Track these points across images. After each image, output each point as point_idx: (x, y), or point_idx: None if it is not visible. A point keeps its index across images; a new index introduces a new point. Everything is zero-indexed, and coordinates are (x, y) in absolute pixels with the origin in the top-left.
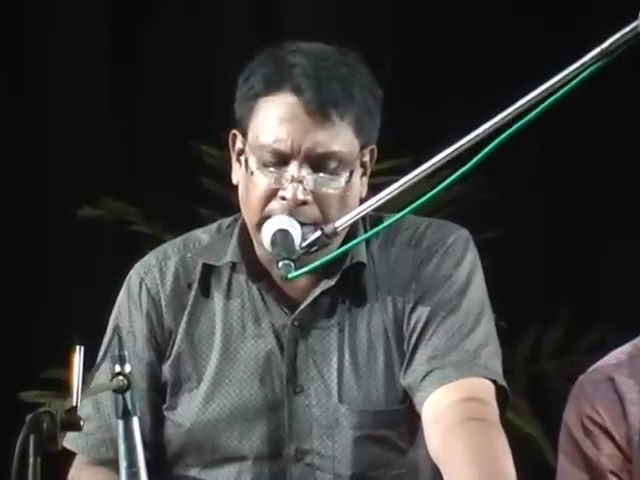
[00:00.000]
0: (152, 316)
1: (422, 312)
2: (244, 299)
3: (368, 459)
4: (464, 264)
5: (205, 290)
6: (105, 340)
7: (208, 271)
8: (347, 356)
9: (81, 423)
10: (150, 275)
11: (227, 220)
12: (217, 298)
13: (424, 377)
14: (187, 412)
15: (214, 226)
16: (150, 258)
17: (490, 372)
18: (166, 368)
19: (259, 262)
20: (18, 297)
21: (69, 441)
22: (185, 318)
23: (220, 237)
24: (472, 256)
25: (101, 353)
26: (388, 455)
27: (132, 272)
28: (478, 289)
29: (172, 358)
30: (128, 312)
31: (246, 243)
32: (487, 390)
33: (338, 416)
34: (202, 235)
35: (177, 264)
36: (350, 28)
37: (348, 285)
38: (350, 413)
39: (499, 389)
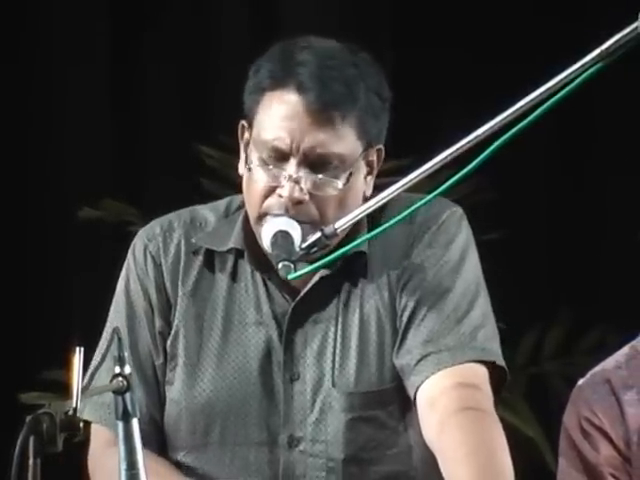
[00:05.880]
0: (159, 283)
1: (414, 291)
2: (248, 284)
3: (360, 441)
4: (457, 243)
5: (209, 270)
6: (105, 335)
7: (212, 254)
8: (341, 339)
9: (80, 425)
10: (154, 242)
11: (237, 200)
12: (221, 280)
13: (419, 361)
14: (183, 390)
15: (222, 205)
16: (154, 226)
17: (487, 354)
18: (167, 341)
19: (262, 250)
20: (18, 298)
21: (89, 413)
22: (187, 293)
23: (226, 222)
24: (466, 234)
25: (101, 350)
26: (380, 435)
27: (136, 239)
28: (472, 268)
29: (172, 332)
30: (138, 280)
31: (250, 231)
32: (481, 376)
33: (331, 400)
34: (209, 215)
35: (180, 237)
36: (350, 28)
37: (348, 271)
38: (341, 396)
39: (496, 370)
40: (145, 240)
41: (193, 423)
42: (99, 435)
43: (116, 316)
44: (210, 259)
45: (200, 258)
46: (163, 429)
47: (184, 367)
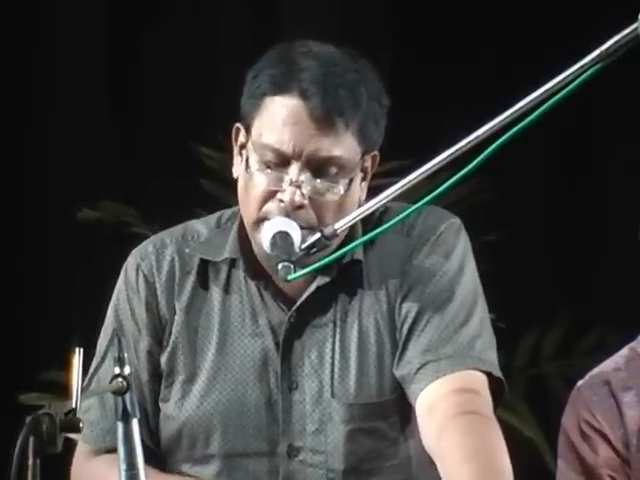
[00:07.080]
0: (150, 302)
1: (414, 302)
2: (242, 295)
3: (360, 452)
4: (456, 253)
5: (203, 283)
6: (103, 340)
7: (205, 265)
8: (340, 350)
9: (80, 425)
10: (147, 261)
11: (227, 212)
12: (215, 292)
13: (418, 370)
14: (181, 405)
15: (214, 219)
16: (147, 245)
17: (484, 364)
18: (162, 358)
19: (256, 259)
20: (17, 299)
21: None
22: (182, 309)
23: (219, 232)
24: (464, 245)
25: (99, 353)
26: (380, 446)
27: (129, 258)
28: (470, 278)
29: (169, 349)
30: (127, 299)
31: (245, 239)
32: (481, 383)
33: (330, 411)
34: (201, 228)
35: (174, 253)
36: (350, 29)
37: (344, 280)
38: (341, 407)
39: (494, 379)
40: (138, 259)
41: (192, 437)
42: (80, 447)
43: (105, 334)
44: (203, 272)
45: (193, 273)
46: (149, 446)
47: (181, 384)
